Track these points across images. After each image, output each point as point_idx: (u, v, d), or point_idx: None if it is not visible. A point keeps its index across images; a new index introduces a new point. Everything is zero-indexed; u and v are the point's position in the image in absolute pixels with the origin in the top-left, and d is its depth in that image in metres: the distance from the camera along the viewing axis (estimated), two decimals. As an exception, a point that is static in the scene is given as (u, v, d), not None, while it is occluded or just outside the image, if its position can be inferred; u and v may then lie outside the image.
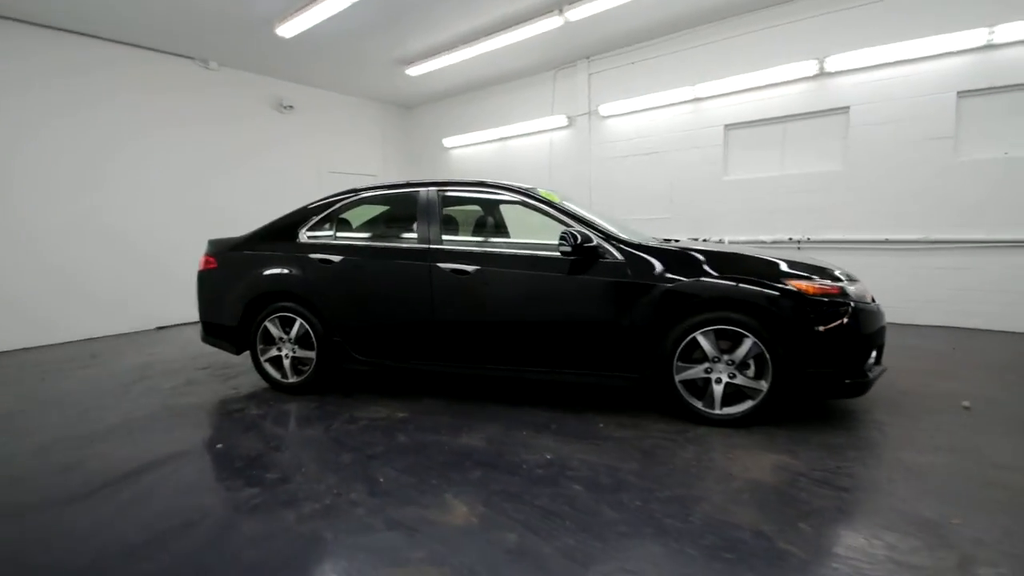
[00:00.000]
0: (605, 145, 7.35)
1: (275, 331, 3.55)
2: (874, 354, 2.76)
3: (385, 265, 3.35)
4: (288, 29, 5.69)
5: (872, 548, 1.74)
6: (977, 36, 4.64)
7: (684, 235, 6.33)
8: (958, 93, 4.87)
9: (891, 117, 5.21)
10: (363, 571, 1.70)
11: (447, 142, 9.20)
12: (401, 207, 3.60)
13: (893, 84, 5.18)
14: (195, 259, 3.94)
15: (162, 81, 6.53)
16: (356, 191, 3.64)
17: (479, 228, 3.75)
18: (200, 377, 4.16)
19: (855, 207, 5.50)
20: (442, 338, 3.23)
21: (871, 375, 2.70)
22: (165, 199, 6.62)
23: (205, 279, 3.81)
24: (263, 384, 3.78)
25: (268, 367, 3.64)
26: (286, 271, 3.52)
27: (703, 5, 5.72)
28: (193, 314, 3.99)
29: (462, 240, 3.38)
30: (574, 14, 5.55)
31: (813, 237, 5.76)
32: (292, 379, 3.58)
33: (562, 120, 7.65)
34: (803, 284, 2.66)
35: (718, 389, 2.77)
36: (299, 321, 3.48)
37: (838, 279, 2.75)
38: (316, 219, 3.61)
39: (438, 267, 3.17)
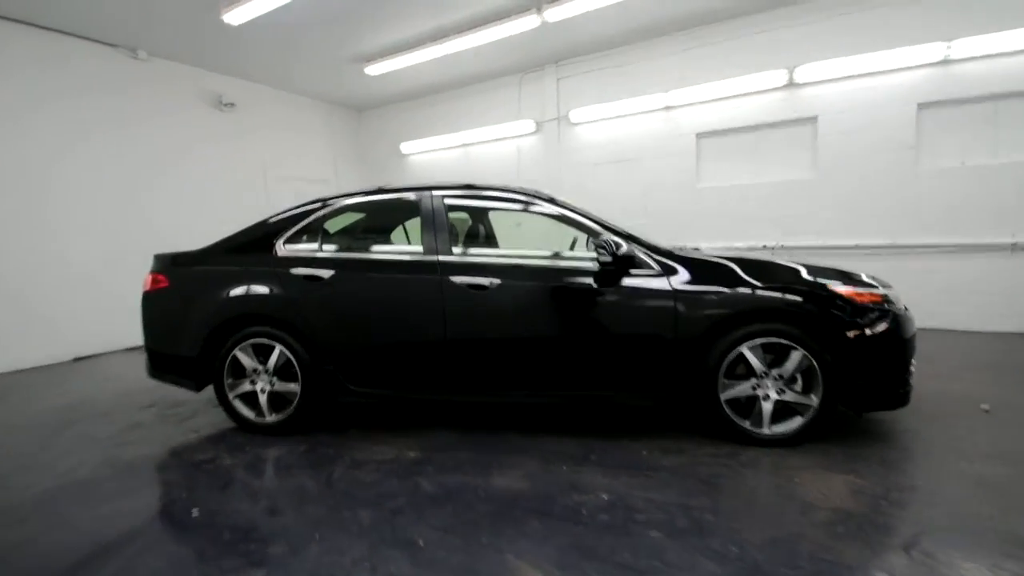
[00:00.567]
0: (576, 152, 7.20)
1: (248, 362, 2.99)
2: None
3: (386, 281, 2.91)
4: (237, 16, 5.05)
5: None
6: (936, 51, 4.91)
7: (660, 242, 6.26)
8: (918, 105, 5.14)
9: (857, 127, 5.42)
10: None
11: (405, 147, 8.71)
12: (402, 215, 3.21)
13: (858, 95, 5.39)
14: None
15: (80, 72, 5.60)
16: (345, 196, 3.18)
17: (488, 239, 3.41)
18: (145, 419, 3.47)
19: (825, 214, 5.67)
20: (456, 361, 2.83)
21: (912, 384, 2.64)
22: (82, 207, 5.62)
23: (153, 301, 3.18)
24: (229, 424, 3.19)
25: (239, 405, 3.05)
26: (262, 290, 2.98)
27: (676, 13, 5.71)
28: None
29: (477, 252, 3.01)
30: (552, 14, 5.35)
31: (786, 244, 5.88)
32: (271, 417, 3.02)
33: (530, 126, 7.43)
34: (849, 291, 2.54)
35: (767, 407, 2.59)
36: (279, 348, 2.95)
37: (873, 285, 2.66)
38: (295, 229, 3.11)
39: (450, 281, 2.79)
